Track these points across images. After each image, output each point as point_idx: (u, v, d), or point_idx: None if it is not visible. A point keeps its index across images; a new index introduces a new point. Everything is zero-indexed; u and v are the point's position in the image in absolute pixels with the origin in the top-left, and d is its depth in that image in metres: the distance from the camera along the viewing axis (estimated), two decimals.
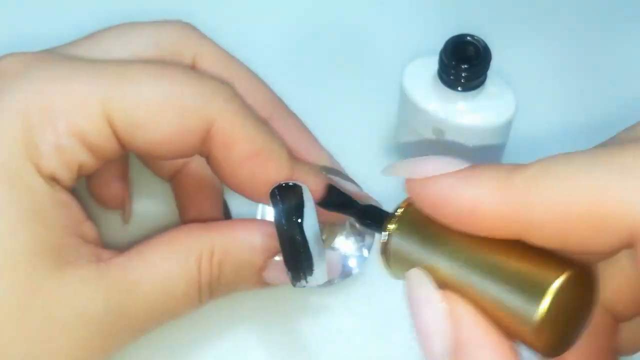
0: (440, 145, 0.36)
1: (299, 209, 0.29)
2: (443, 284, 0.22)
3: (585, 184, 0.19)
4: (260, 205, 0.35)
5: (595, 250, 0.20)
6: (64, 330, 0.27)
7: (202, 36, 0.34)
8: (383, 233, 0.24)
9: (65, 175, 0.28)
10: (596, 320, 0.23)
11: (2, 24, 0.44)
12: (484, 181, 0.21)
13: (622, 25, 0.45)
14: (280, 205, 0.29)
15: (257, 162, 0.29)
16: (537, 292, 0.20)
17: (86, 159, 0.29)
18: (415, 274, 0.22)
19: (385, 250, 0.24)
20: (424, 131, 0.36)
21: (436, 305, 0.21)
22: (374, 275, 0.36)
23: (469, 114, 0.35)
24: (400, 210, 0.24)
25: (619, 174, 0.19)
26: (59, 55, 0.30)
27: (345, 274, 0.34)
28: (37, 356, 0.27)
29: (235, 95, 0.30)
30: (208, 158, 0.30)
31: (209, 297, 0.31)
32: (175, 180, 0.36)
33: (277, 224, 0.29)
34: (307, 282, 0.30)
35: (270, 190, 0.29)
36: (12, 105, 0.28)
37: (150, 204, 0.38)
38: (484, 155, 0.36)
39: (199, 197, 0.35)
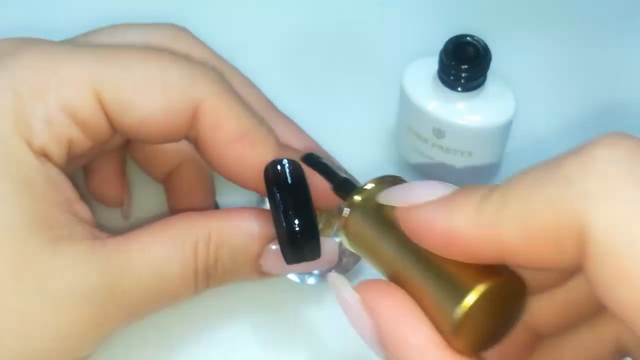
0: (440, 146, 0.36)
1: (293, 183, 0.29)
2: (387, 268, 0.24)
3: (539, 201, 0.19)
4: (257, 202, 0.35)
5: (563, 267, 0.20)
6: (55, 303, 0.27)
7: (194, 39, 0.34)
8: (345, 206, 0.25)
9: (56, 150, 0.29)
10: (517, 334, 0.24)
11: None
12: (459, 210, 0.21)
13: (622, 25, 0.45)
14: (272, 179, 0.29)
15: (244, 144, 0.30)
16: (462, 292, 0.21)
17: (76, 136, 0.29)
18: (333, 278, 0.24)
19: (345, 223, 0.25)
20: (424, 131, 0.36)
21: (355, 305, 0.23)
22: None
23: (469, 114, 0.35)
24: (366, 188, 0.25)
25: (564, 187, 0.19)
26: (48, 40, 0.31)
27: (345, 268, 0.34)
28: (27, 328, 0.27)
29: (222, 80, 0.31)
30: (196, 142, 0.31)
31: (206, 283, 0.31)
32: (168, 182, 0.36)
33: (270, 197, 0.29)
34: (304, 257, 0.29)
35: (264, 166, 0.29)
36: (2, 82, 0.28)
37: (150, 201, 0.38)
38: (484, 155, 0.36)
39: (190, 198, 0.36)
